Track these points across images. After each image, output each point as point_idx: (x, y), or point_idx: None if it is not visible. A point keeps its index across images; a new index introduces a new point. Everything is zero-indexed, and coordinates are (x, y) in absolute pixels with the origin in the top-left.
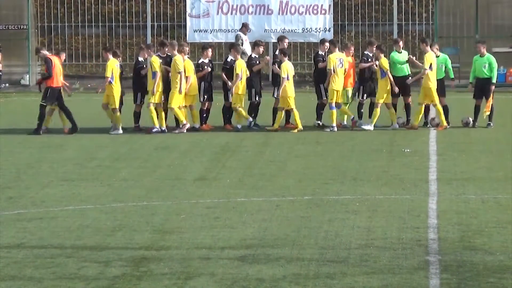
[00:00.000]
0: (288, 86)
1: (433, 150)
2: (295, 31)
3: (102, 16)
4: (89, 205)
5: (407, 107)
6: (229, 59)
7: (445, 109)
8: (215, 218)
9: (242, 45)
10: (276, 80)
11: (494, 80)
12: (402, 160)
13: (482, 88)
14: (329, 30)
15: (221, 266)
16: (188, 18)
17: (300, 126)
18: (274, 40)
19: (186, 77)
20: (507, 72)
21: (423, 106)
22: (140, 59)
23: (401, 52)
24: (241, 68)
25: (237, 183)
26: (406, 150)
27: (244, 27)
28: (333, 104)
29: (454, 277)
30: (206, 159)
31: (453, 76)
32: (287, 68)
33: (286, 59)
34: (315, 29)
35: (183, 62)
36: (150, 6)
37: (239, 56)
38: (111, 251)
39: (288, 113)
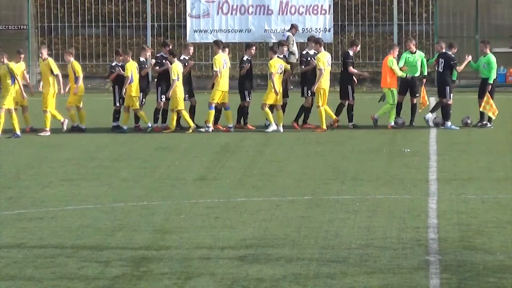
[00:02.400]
0: (178, 87)
1: (433, 150)
2: None
3: (102, 16)
4: (89, 205)
5: (413, 107)
6: (244, 58)
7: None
8: (215, 218)
9: (293, 46)
10: (304, 80)
11: (490, 80)
12: (402, 160)
13: (482, 87)
14: (329, 30)
15: (221, 266)
16: (188, 18)
17: (173, 128)
18: (274, 40)
19: (77, 78)
20: (507, 72)
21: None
22: (142, 59)
23: (414, 52)
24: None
25: (237, 183)
26: (406, 150)
27: (294, 28)
28: (213, 105)
29: (454, 277)
30: (206, 159)
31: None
32: (177, 69)
33: (175, 59)
34: (315, 29)
35: (55, 64)
36: (150, 6)
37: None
38: (111, 251)
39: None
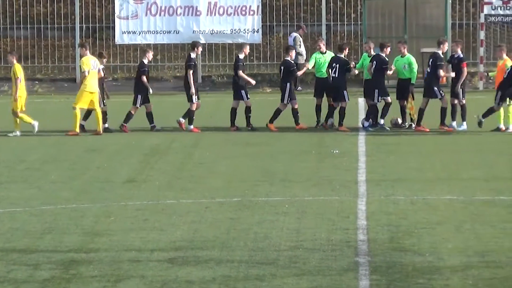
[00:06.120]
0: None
1: (362, 151)
2: (224, 32)
3: (31, 18)
4: (18, 207)
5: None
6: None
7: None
8: (144, 220)
9: (300, 47)
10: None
11: (413, 81)
12: (331, 162)
13: (402, 89)
14: (257, 31)
15: (151, 268)
16: (116, 19)
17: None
18: (203, 41)
19: None
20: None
21: (78, 110)
22: (145, 61)
23: (324, 52)
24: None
25: (166, 185)
26: (334, 151)
27: (301, 29)
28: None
29: (383, 278)
30: (135, 161)
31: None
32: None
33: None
34: (244, 30)
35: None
36: (78, 7)
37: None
38: (40, 254)
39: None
